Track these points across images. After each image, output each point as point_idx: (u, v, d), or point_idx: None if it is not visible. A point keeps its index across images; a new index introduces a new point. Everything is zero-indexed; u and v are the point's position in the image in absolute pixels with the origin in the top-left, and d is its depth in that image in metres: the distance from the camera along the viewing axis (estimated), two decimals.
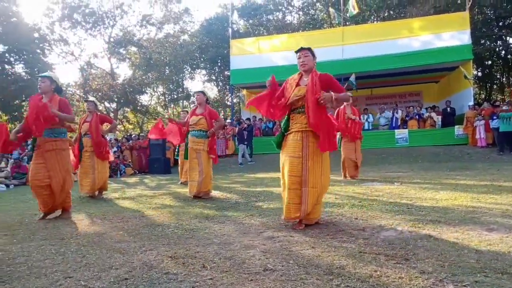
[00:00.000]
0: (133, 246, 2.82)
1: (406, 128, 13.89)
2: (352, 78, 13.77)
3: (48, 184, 4.05)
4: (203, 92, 5.70)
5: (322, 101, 3.05)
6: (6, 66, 19.83)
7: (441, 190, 4.91)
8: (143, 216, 4.15)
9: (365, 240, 2.70)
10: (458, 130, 12.98)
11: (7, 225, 3.90)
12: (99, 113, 6.41)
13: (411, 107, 14.85)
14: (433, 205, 3.94)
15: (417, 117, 14.16)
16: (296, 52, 3.34)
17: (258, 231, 3.19)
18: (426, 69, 14.63)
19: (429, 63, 13.91)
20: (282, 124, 3.37)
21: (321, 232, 3.01)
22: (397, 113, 14.46)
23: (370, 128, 14.61)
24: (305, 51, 3.28)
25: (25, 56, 19.78)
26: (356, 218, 3.48)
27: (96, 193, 6.15)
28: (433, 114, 14.02)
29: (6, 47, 19.11)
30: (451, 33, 13.89)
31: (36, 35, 20.76)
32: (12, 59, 19.94)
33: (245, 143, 13.72)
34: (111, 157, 6.74)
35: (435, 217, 3.32)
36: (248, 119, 15.76)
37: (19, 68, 20.34)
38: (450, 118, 13.73)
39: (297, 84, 3.30)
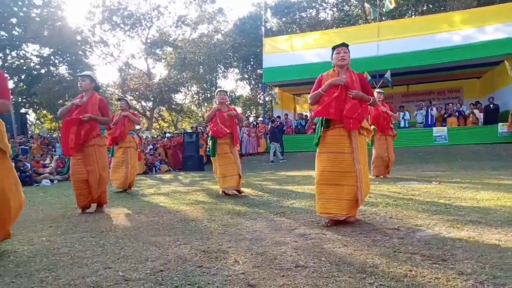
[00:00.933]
0: (167, 240, 2.92)
1: (445, 126, 13.33)
2: (387, 74, 13.38)
3: (86, 179, 4.23)
4: (225, 92, 5.98)
5: (351, 95, 3.14)
6: (51, 68, 21.00)
7: (482, 190, 4.68)
8: (177, 211, 4.26)
9: (399, 240, 2.63)
10: (502, 127, 12.29)
11: (52, 218, 4.14)
12: (130, 111, 6.80)
13: (450, 104, 14.22)
14: (473, 205, 3.77)
15: (457, 114, 13.55)
16: (335, 47, 3.31)
17: (290, 228, 3.19)
18: (467, 64, 13.93)
19: (471, 58, 13.23)
20: (321, 121, 3.31)
21: (354, 231, 2.97)
22: (431, 110, 13.91)
23: (407, 126, 14.16)
24: (345, 48, 3.28)
25: (68, 58, 20.85)
26: (391, 217, 3.39)
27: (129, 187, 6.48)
28: (476, 111, 13.36)
29: (52, 50, 20.23)
30: (496, 26, 13.13)
31: (78, 37, 21.81)
32: (56, 61, 21.09)
33: (277, 141, 13.71)
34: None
35: (475, 217, 3.18)
36: (279, 117, 15.72)
37: (63, 70, 21.50)
38: (493, 115, 13.02)
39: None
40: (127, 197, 5.90)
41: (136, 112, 28.94)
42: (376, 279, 1.91)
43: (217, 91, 5.83)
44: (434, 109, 14.22)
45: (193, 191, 6.16)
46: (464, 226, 2.92)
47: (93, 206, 4.54)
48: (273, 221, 3.52)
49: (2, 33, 18.89)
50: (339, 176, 3.13)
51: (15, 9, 18.82)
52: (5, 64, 19.13)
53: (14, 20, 19.18)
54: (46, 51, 20.59)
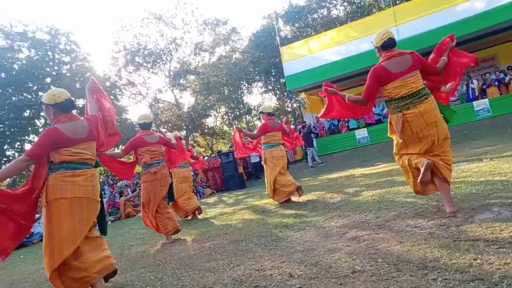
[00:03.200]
0: (221, 263, 2.95)
1: (485, 98, 12.60)
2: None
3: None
4: (261, 112, 6.14)
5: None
6: None
7: None
8: (226, 233, 4.31)
9: (457, 227, 2.50)
10: None
11: None
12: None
13: (487, 74, 13.45)
14: None
15: (496, 83, 12.78)
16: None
17: (340, 233, 3.13)
18: (497, 29, 13.17)
19: (498, 23, 12.51)
20: (385, 109, 3.42)
21: (408, 225, 2.86)
22: (472, 83, 13.20)
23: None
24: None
25: None
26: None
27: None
28: None
29: (85, 100, 21.45)
30: None
31: (107, 83, 22.96)
32: None
33: (312, 145, 13.57)
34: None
35: None
36: (304, 121, 15.61)
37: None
38: None
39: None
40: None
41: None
42: (439, 274, 1.82)
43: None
44: (474, 81, 13.48)
45: (239, 210, 6.21)
46: None
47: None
48: (323, 228, 3.46)
49: (41, 93, 20.30)
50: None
51: (48, 69, 20.21)
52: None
53: (48, 80, 20.58)
54: (81, 102, 21.84)
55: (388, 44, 3.15)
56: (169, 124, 27.81)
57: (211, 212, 6.90)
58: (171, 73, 27.93)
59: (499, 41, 15.13)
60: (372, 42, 3.29)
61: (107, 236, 6.81)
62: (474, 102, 12.59)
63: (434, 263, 1.97)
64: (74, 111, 3.00)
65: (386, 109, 3.64)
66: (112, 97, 22.30)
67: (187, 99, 31.65)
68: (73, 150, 2.76)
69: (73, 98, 3.06)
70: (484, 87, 12.97)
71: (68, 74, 20.52)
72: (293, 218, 4.35)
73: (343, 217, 3.73)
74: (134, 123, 24.67)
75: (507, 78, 12.72)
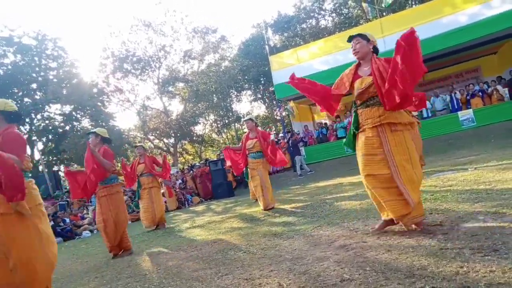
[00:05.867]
0: (209, 273, 2.92)
1: (470, 108, 12.90)
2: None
3: (105, 227, 4.58)
4: (251, 119, 6.28)
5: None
6: (75, 123, 21.92)
7: None
8: (215, 242, 4.27)
9: (444, 235, 2.53)
10: None
11: (96, 268, 4.24)
12: (148, 155, 7.36)
13: (471, 85, 13.79)
14: None
15: (480, 94, 13.11)
16: (349, 42, 3.15)
17: (329, 241, 3.14)
18: (480, 42, 13.55)
19: (482, 36, 12.87)
20: (352, 122, 3.11)
21: (395, 233, 2.88)
22: (455, 94, 13.51)
23: (430, 115, 13.78)
24: (356, 38, 3.05)
25: (88, 111, 21.72)
26: (431, 213, 3.27)
27: (158, 225, 6.93)
28: (499, 87, 12.88)
29: (72, 106, 21.17)
30: None
31: (95, 90, 22.74)
32: (78, 115, 22.02)
33: (300, 154, 13.63)
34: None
35: None
36: (289, 130, 15.72)
37: (86, 123, 22.37)
38: None
39: (355, 76, 3.01)
40: (165, 234, 5.98)
41: (160, 149, 29.50)
42: (426, 282, 1.84)
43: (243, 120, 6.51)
44: (457, 92, 13.79)
45: (227, 218, 6.18)
46: (511, 210, 2.78)
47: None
48: (311, 237, 3.46)
49: (26, 99, 19.97)
50: (381, 178, 2.91)
51: (34, 75, 19.91)
52: (32, 128, 20.12)
53: (34, 85, 20.27)
54: (67, 108, 21.55)
55: (378, 51, 3.15)
56: (157, 132, 27.66)
57: (199, 221, 6.85)
58: (160, 80, 27.84)
59: (482, 54, 15.58)
60: (371, 40, 3.07)
61: (92, 246, 6.71)
62: (459, 112, 12.87)
63: (422, 271, 1.98)
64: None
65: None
66: (99, 103, 22.09)
67: (176, 107, 31.58)
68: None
69: (21, 113, 3.00)
70: (468, 97, 13.27)
71: (54, 80, 20.24)
72: (282, 226, 4.35)
73: (332, 225, 3.74)
74: (122, 130, 24.45)
75: (490, 89, 13.05)
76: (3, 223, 2.48)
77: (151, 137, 28.97)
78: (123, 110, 28.03)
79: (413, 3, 23.43)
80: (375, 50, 3.08)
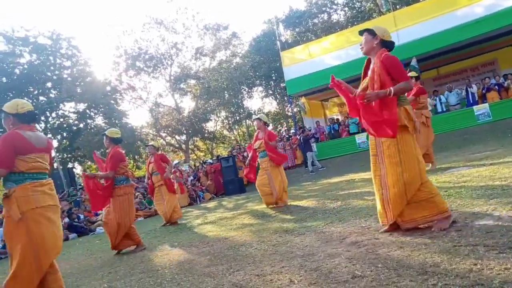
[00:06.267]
0: (221, 268, 2.94)
1: (486, 102, 12.62)
2: (414, 62, 12.93)
3: (108, 225, 4.72)
4: (259, 118, 6.27)
5: (365, 101, 2.78)
6: (88, 121, 22.28)
7: None
8: (226, 238, 4.29)
9: (458, 232, 2.49)
10: None
11: (110, 263, 4.31)
12: (159, 153, 7.41)
13: (487, 78, 13.48)
14: None
15: (496, 87, 12.81)
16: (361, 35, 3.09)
17: (341, 237, 3.12)
18: (497, 34, 13.20)
19: (498, 28, 12.55)
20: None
21: (408, 230, 2.84)
22: (471, 88, 13.23)
23: (444, 109, 13.54)
24: (365, 34, 3.00)
25: (102, 109, 22.04)
26: None
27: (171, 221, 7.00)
28: None
29: (86, 104, 21.50)
30: None
31: (108, 88, 23.04)
32: (92, 113, 22.37)
33: (311, 150, 13.56)
34: (177, 192, 7.85)
35: None
36: (301, 126, 15.63)
37: (99, 120, 22.71)
38: None
39: (364, 75, 3.05)
40: (177, 231, 6.04)
41: (172, 146, 29.73)
42: (439, 279, 1.81)
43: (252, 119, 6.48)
44: (474, 86, 13.50)
45: (239, 214, 6.20)
46: None
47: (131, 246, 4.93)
48: (323, 233, 3.45)
49: (41, 98, 20.36)
50: (377, 181, 2.96)
51: (49, 74, 20.28)
52: (48, 126, 20.51)
53: (49, 84, 20.65)
54: (81, 106, 21.90)
55: (391, 45, 2.99)
56: (169, 129, 27.91)
57: (211, 217, 6.89)
58: (172, 77, 28.02)
59: (499, 46, 15.18)
60: (377, 33, 2.94)
61: (106, 241, 6.82)
62: (474, 107, 12.61)
63: (434, 268, 1.96)
64: (35, 125, 3.01)
65: None
66: (112, 101, 22.37)
67: (188, 104, 31.77)
68: (37, 158, 2.80)
69: (36, 111, 3.07)
70: (484, 91, 12.99)
71: (69, 78, 20.57)
72: (293, 223, 4.34)
73: (343, 222, 3.72)
74: (134, 127, 24.74)
75: (506, 83, 12.74)
76: (7, 224, 2.71)
77: (163, 134, 29.22)
78: (136, 107, 28.32)
79: None
80: (385, 44, 2.94)
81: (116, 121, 21.61)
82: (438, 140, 10.99)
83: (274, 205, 6.02)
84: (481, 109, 12.42)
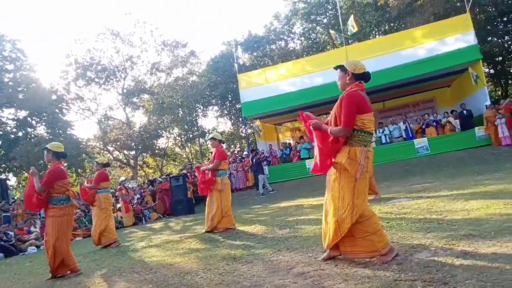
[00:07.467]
0: None
1: (425, 137, 13.63)
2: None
3: (46, 247, 4.39)
4: (213, 138, 6.21)
5: (311, 127, 3.04)
6: (29, 130, 20.78)
7: (471, 199, 4.72)
8: (171, 264, 4.12)
9: (398, 266, 2.60)
10: (479, 131, 12.66)
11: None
12: (102, 170, 7.03)
13: (426, 115, 14.63)
14: (464, 217, 3.79)
15: (434, 124, 13.92)
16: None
17: (288, 267, 3.12)
18: (436, 75, 14.50)
19: (436, 70, 13.81)
20: None
21: (352, 261, 2.92)
22: (409, 123, 14.33)
23: (388, 141, 14.40)
24: (338, 70, 3.08)
25: (45, 118, 20.72)
26: None
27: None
28: (451, 119, 13.77)
29: (28, 112, 20.10)
30: (455, 37, 13.83)
31: (54, 97, 21.80)
32: (34, 122, 20.92)
33: (263, 172, 13.67)
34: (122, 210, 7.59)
35: (468, 230, 3.18)
36: (253, 148, 15.85)
37: (41, 130, 21.28)
38: (469, 121, 13.42)
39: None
40: (118, 254, 5.70)
41: (119, 162, 28.48)
42: None
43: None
44: (412, 121, 14.59)
45: (186, 238, 6.01)
46: (459, 241, 2.91)
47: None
48: (270, 262, 3.43)
49: None
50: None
51: None
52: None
53: None
54: (22, 113, 20.44)
55: (364, 77, 3.01)
56: (118, 143, 26.78)
57: (156, 240, 6.61)
58: (124, 90, 27.19)
59: (437, 86, 16.64)
60: (348, 69, 2.99)
61: (38, 263, 6.26)
62: (414, 140, 13.55)
63: None
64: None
65: None
66: (57, 111, 21.15)
67: (139, 118, 30.75)
68: None
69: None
70: (423, 126, 14.03)
71: (10, 83, 19.20)
72: (241, 249, 4.28)
73: (291, 251, 3.74)
74: (80, 139, 23.45)
75: (443, 120, 13.89)
76: None
77: (111, 149, 27.99)
78: (83, 119, 27.02)
79: (377, 34, 24.71)
80: (358, 77, 2.98)
81: (60, 132, 20.39)
82: (382, 170, 11.60)
83: (209, 231, 5.93)
84: (420, 142, 13.37)
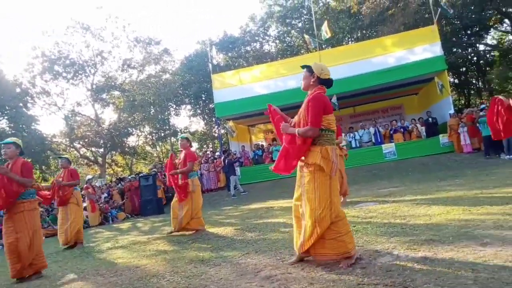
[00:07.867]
0: None
1: (392, 142, 14.08)
2: (334, 99, 14.01)
3: (16, 246, 4.09)
4: (186, 138, 6.17)
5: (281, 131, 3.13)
6: None
7: (433, 205, 4.93)
8: (137, 266, 4.04)
9: (362, 270, 2.67)
10: (443, 139, 13.22)
11: None
12: (70, 168, 6.82)
13: (394, 121, 15.14)
14: (426, 222, 3.94)
15: (402, 130, 14.41)
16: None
17: (255, 270, 3.13)
18: (404, 83, 15.03)
19: (405, 78, 14.32)
20: None
21: (319, 265, 2.97)
22: (378, 128, 14.77)
23: (358, 145, 14.76)
24: (304, 70, 3.16)
25: (8, 111, 19.75)
26: None
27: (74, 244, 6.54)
28: (418, 125, 14.31)
29: None
30: (423, 47, 14.39)
31: (18, 90, 20.82)
32: None
33: (235, 173, 13.65)
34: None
35: (429, 235, 3.32)
36: (226, 149, 15.83)
37: (3, 123, 20.26)
38: (434, 128, 14.01)
39: (299, 110, 3.14)
40: (82, 255, 5.53)
41: (86, 159, 27.60)
42: None
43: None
44: (381, 126, 15.04)
45: (154, 239, 5.91)
46: (420, 246, 3.03)
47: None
48: (238, 265, 3.44)
49: None
50: (296, 208, 3.17)
51: None
52: None
53: None
54: None
55: (327, 83, 3.08)
56: (86, 140, 25.91)
57: (123, 241, 6.45)
58: (94, 86, 26.35)
59: (405, 93, 17.25)
60: (314, 71, 3.05)
61: None
62: (383, 145, 13.95)
63: None
64: None
65: None
66: (21, 105, 20.23)
67: (109, 115, 29.97)
68: None
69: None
70: (391, 132, 14.49)
71: None
72: (209, 252, 4.26)
73: (259, 253, 3.75)
74: (45, 135, 22.50)
75: (410, 126, 14.41)
76: None
77: (78, 146, 27.05)
78: (49, 114, 25.94)
79: (350, 40, 25.29)
80: (322, 82, 3.06)
81: (24, 126, 19.50)
82: (352, 173, 11.85)
83: (177, 232, 5.88)
84: (388, 148, 13.80)
